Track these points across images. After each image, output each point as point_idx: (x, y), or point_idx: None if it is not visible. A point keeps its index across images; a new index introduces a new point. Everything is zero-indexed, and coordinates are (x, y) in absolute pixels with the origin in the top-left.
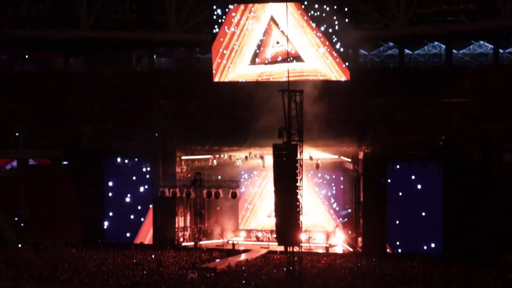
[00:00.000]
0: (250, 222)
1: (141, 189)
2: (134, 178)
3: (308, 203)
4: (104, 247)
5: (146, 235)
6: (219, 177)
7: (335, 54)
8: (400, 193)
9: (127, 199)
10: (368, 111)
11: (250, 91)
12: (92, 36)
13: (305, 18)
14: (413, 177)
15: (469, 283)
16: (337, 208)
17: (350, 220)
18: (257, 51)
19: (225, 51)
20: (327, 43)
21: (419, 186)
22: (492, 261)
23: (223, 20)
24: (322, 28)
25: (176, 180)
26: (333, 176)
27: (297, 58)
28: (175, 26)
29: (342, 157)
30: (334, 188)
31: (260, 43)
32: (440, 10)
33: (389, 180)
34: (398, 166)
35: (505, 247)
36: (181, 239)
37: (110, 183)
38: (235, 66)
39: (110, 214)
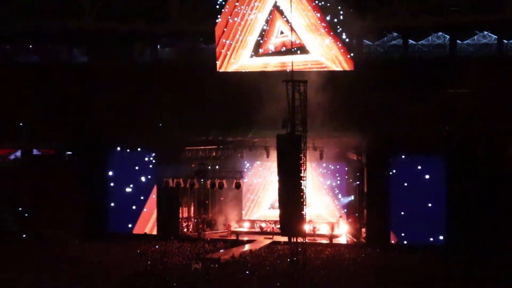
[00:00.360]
0: (253, 213)
1: (144, 179)
2: (137, 168)
3: (312, 193)
4: (107, 237)
5: (147, 226)
6: (223, 167)
7: (340, 45)
8: (404, 185)
9: (131, 190)
10: (371, 101)
11: (254, 81)
12: (96, 27)
13: (310, 7)
14: (417, 168)
15: (471, 276)
16: (341, 199)
17: (353, 210)
18: (261, 41)
19: (228, 41)
20: (332, 33)
21: (422, 178)
22: (494, 255)
23: (226, 10)
24: (328, 18)
25: (180, 170)
26: (337, 167)
27: (302, 49)
28: (178, 17)
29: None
30: (338, 178)
31: (264, 33)
32: (444, 1)
33: (394, 171)
34: (401, 157)
35: (508, 240)
36: (185, 230)
37: (114, 174)
38: (238, 57)
39: (113, 204)
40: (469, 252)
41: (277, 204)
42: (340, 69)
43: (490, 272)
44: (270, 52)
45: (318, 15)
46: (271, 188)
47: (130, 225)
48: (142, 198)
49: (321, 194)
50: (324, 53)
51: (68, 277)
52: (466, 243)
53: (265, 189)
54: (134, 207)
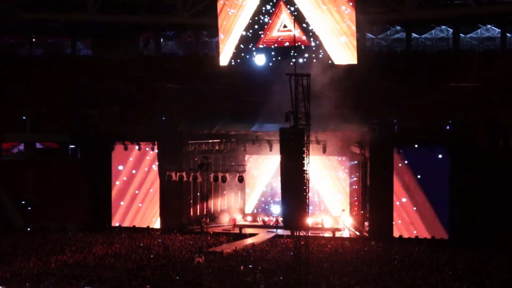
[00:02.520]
0: (255, 206)
1: (148, 173)
2: (141, 162)
3: (315, 186)
4: (111, 230)
5: (149, 219)
6: (224, 160)
7: (348, 39)
8: (408, 177)
9: (134, 183)
10: (374, 95)
11: (257, 75)
12: (99, 20)
13: None
14: (420, 161)
15: (475, 268)
16: (348, 190)
17: (356, 204)
18: (262, 35)
19: (229, 35)
20: (338, 26)
21: (425, 170)
22: (498, 247)
23: (226, 2)
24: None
25: (183, 164)
26: (343, 159)
27: (307, 47)
28: (182, 10)
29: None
30: (342, 171)
31: (266, 26)
32: None
33: (397, 164)
34: (404, 150)
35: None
36: (188, 223)
37: (117, 167)
38: (239, 50)
39: (117, 197)
40: (473, 244)
41: (277, 199)
42: (346, 62)
43: (493, 264)
44: (273, 47)
45: (325, 7)
46: (271, 182)
47: (131, 219)
48: (145, 191)
49: (324, 187)
50: (334, 47)
51: (72, 269)
52: (470, 235)
53: (266, 183)
54: (137, 200)
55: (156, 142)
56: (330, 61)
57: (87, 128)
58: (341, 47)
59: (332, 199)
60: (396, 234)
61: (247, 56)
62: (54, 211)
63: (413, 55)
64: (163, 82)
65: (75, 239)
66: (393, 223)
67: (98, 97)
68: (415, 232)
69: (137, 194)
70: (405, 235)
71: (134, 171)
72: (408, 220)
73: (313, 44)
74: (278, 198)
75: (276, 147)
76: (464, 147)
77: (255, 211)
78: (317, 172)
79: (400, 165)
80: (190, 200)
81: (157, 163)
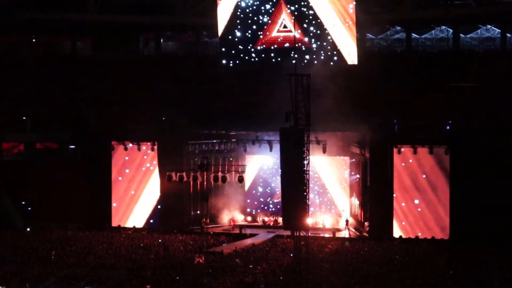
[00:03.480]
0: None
1: (148, 173)
2: (140, 162)
3: (315, 187)
4: (111, 230)
5: (147, 219)
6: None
7: (351, 40)
8: (408, 178)
9: (134, 183)
10: (375, 95)
11: (257, 75)
12: (99, 20)
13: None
14: (420, 160)
15: (475, 268)
16: (347, 189)
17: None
18: (261, 35)
19: (227, 35)
20: (341, 26)
21: (426, 170)
22: (498, 247)
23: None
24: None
25: (183, 164)
26: (343, 159)
27: (308, 48)
28: (182, 10)
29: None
30: (342, 171)
31: (265, 26)
32: None
33: (403, 164)
34: (405, 150)
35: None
36: (188, 223)
37: (117, 167)
38: (238, 52)
39: (117, 197)
40: (473, 244)
41: (276, 200)
42: (347, 63)
43: (493, 263)
44: (273, 48)
45: (330, 7)
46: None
47: (132, 219)
48: (144, 191)
49: (324, 187)
50: (334, 47)
51: (72, 269)
52: (470, 235)
53: (267, 183)
54: (138, 201)
55: (156, 142)
56: (331, 63)
57: (87, 128)
58: (342, 47)
59: (337, 199)
60: (396, 234)
61: (246, 57)
62: (54, 211)
63: (413, 55)
64: (163, 82)
65: (75, 239)
66: (396, 223)
67: (98, 97)
68: (420, 234)
69: (136, 195)
70: (406, 235)
71: (127, 170)
72: (409, 220)
73: (314, 45)
74: (278, 198)
75: (276, 147)
76: (464, 147)
77: (253, 212)
78: (321, 171)
79: (402, 164)
80: (190, 200)
81: (154, 162)
